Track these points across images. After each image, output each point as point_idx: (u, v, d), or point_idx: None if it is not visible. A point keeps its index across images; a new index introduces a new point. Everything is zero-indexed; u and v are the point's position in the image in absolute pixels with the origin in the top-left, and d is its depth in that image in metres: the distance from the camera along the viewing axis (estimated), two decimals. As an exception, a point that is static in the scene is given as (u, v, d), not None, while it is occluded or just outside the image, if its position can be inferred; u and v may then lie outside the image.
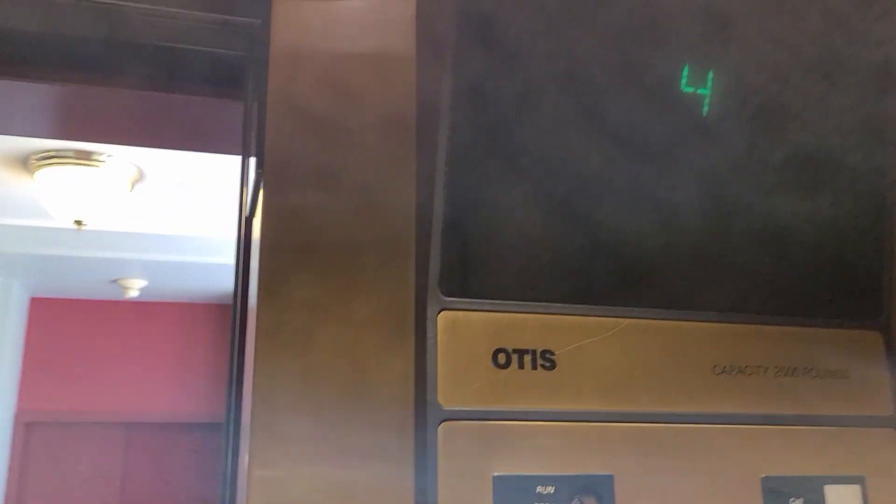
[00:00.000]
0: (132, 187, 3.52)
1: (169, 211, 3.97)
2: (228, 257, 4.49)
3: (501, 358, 0.76)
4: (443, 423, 0.73)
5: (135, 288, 4.87)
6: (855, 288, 0.86)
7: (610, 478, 0.75)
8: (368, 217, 0.77)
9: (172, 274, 4.81)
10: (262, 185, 0.79)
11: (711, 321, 0.82)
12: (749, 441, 0.80)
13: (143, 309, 5.46)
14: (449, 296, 0.76)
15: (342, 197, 0.77)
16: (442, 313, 0.75)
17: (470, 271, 0.77)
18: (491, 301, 0.76)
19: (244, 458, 0.77)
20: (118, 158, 3.32)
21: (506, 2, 0.79)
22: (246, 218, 0.94)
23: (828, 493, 0.79)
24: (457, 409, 0.74)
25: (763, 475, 0.79)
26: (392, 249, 0.76)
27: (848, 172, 0.86)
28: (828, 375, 0.84)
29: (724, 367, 0.81)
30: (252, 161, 0.96)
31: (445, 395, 0.74)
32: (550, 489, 0.73)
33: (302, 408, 0.73)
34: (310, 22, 0.81)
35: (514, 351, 0.76)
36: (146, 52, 1.07)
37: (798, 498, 0.78)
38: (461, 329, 0.76)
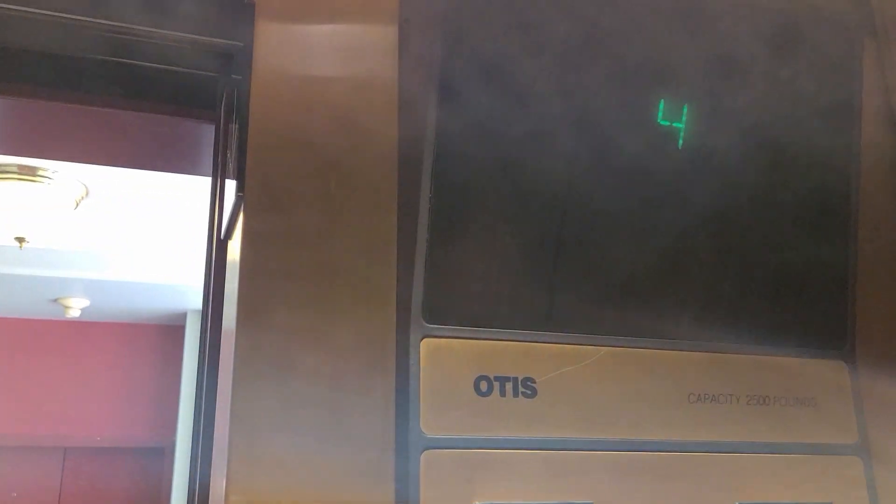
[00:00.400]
0: (77, 205, 3.43)
1: (114, 229, 3.88)
2: (173, 277, 4.40)
3: (483, 385, 0.76)
4: (425, 452, 0.73)
5: (76, 308, 4.73)
6: (821, 319, 0.89)
7: (591, 509, 0.75)
8: (350, 243, 0.77)
9: (115, 294, 4.69)
10: (242, 208, 0.78)
11: (687, 350, 0.83)
12: (723, 468, 0.81)
13: (85, 329, 5.31)
14: (432, 323, 0.76)
15: (324, 222, 0.77)
16: (424, 340, 0.75)
17: (453, 299, 0.77)
18: (473, 328, 0.77)
19: (219, 483, 0.75)
20: (64, 175, 3.24)
21: (490, 31, 0.81)
22: (220, 240, 0.92)
23: (799, 518, 0.81)
24: (439, 436, 0.73)
25: (737, 502, 0.80)
26: (374, 276, 0.76)
27: (815, 206, 0.89)
28: (797, 404, 0.86)
29: (699, 396, 0.82)
30: (228, 183, 0.94)
31: (428, 423, 0.73)
32: (532, 517, 0.73)
33: (281, 434, 0.72)
34: (293, 45, 0.81)
35: (496, 378, 0.76)
36: (115, 69, 1.06)
37: (771, 523, 0.80)
38: (443, 356, 0.75)
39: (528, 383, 0.77)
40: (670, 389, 0.82)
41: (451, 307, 0.76)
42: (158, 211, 3.69)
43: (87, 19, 1.00)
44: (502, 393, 0.76)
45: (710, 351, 0.84)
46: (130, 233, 3.96)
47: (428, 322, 0.76)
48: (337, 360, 0.74)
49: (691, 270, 0.85)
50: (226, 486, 0.70)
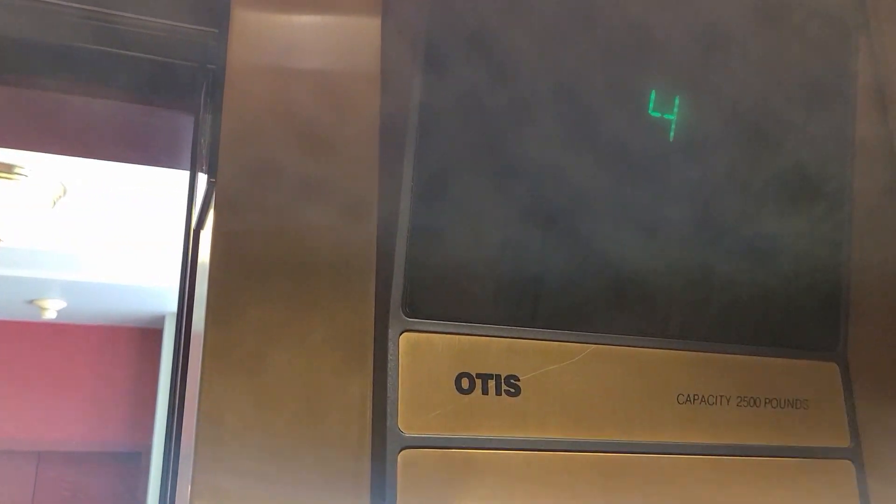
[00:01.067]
0: (54, 204, 3.37)
1: (92, 230, 3.82)
2: (152, 280, 4.34)
3: (465, 383, 0.72)
4: (403, 451, 0.69)
5: (52, 309, 4.65)
6: (813, 319, 0.87)
7: (575, 511, 0.72)
8: (326, 235, 0.74)
9: (93, 295, 4.62)
10: (213, 197, 0.75)
11: (675, 349, 0.81)
12: (712, 471, 0.78)
13: (61, 331, 5.22)
14: (411, 316, 0.72)
15: (299, 214, 0.73)
16: (404, 335, 0.72)
17: (434, 292, 0.74)
18: (455, 323, 0.73)
19: (185, 490, 0.71)
20: (40, 173, 3.18)
21: (476, 25, 0.78)
22: (194, 230, 0.89)
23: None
24: (418, 436, 0.70)
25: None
26: (352, 268, 0.73)
27: (809, 204, 0.87)
28: (788, 406, 0.83)
29: (688, 397, 0.80)
30: (203, 176, 0.91)
31: (406, 422, 0.70)
32: (514, 521, 0.69)
33: (251, 435, 0.68)
34: (270, 34, 0.78)
35: (478, 376, 0.73)
36: (89, 56, 1.02)
37: (762, 529, 0.77)
38: (423, 352, 0.72)
39: (512, 381, 0.74)
40: (659, 390, 0.79)
41: (433, 301, 0.73)
42: (138, 212, 3.64)
43: (63, 4, 0.96)
44: (485, 391, 0.73)
45: (700, 351, 0.82)
46: (109, 234, 3.90)
47: (408, 316, 0.72)
48: (311, 355, 0.70)
49: (682, 268, 0.82)
50: (190, 491, 0.67)
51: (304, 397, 0.70)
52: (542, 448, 0.73)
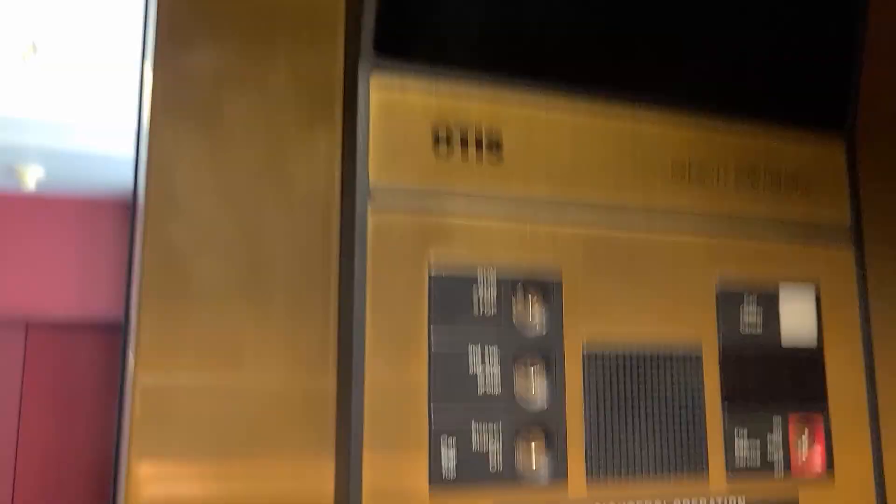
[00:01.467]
0: (24, 59, 3.23)
1: (67, 93, 3.68)
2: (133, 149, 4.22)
3: (443, 136, 0.66)
4: (374, 212, 0.63)
5: (31, 177, 4.56)
6: (821, 90, 0.80)
7: (558, 278, 0.67)
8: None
9: (73, 164, 4.52)
10: None
11: (673, 113, 0.74)
12: (704, 242, 0.73)
13: (43, 202, 5.13)
14: (384, 56, 0.64)
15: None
16: (375, 77, 0.64)
17: (410, 28, 0.65)
18: (432, 67, 0.66)
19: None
20: (7, 26, 3.03)
21: None
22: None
23: (782, 292, 0.75)
24: (390, 189, 0.64)
25: (718, 275, 0.73)
26: (318, 5, 0.65)
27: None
28: (788, 181, 0.78)
29: (683, 165, 0.74)
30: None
31: (378, 178, 0.64)
32: (493, 282, 0.65)
33: (206, 196, 0.62)
34: None
35: (457, 130, 0.66)
36: None
37: (752, 294, 0.73)
38: (396, 98, 0.65)
39: (495, 138, 0.67)
40: (652, 157, 0.73)
41: (409, 38, 0.65)
42: (117, 78, 3.50)
43: None
44: (464, 146, 0.66)
45: (699, 117, 0.75)
46: (86, 98, 3.77)
47: (380, 55, 0.64)
48: (271, 104, 0.64)
49: (680, 26, 0.74)
50: (141, 247, 0.61)
51: (265, 152, 0.64)
52: (526, 209, 0.67)
